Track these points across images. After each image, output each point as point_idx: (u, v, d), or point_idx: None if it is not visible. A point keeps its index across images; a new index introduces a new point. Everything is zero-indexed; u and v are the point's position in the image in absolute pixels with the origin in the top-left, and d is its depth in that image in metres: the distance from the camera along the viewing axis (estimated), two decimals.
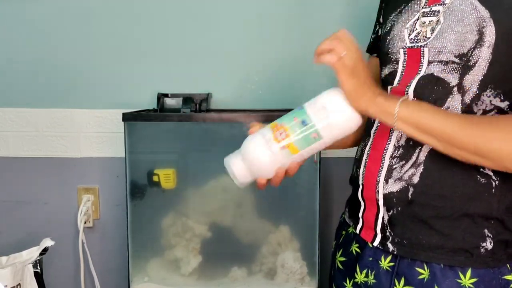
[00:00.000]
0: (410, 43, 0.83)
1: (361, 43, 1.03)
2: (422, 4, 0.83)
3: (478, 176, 0.77)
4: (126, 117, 1.23)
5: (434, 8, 0.81)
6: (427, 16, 0.82)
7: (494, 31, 0.74)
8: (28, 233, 1.45)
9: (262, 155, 0.79)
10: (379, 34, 0.98)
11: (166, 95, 1.38)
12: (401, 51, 0.84)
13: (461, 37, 0.76)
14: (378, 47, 0.97)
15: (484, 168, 0.77)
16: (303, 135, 0.78)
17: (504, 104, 0.77)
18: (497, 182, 0.77)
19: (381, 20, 0.97)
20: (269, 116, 1.21)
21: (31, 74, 1.41)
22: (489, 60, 0.75)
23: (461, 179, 0.77)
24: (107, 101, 1.41)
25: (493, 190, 0.77)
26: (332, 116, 0.77)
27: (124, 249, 1.29)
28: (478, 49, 0.75)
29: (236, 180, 0.82)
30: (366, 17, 1.13)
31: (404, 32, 0.84)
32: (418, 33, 0.82)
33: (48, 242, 1.13)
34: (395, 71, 0.85)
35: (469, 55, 0.76)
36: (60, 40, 1.40)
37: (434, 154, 0.78)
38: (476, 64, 0.75)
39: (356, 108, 0.77)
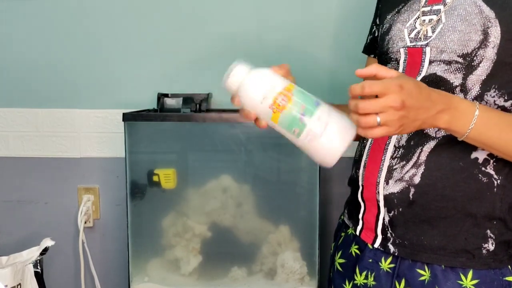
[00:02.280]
0: (411, 42, 0.82)
1: (359, 41, 1.04)
2: (422, 3, 0.83)
3: (480, 175, 0.77)
4: (126, 117, 1.23)
5: (434, 7, 0.80)
6: (427, 15, 0.81)
7: (499, 31, 0.74)
8: (28, 233, 1.45)
9: (255, 94, 0.78)
10: (376, 35, 0.97)
11: (166, 95, 1.37)
12: (402, 50, 0.83)
13: (465, 36, 0.76)
14: (376, 47, 0.97)
15: (485, 167, 0.77)
16: (291, 120, 0.75)
17: (508, 104, 0.76)
18: (499, 181, 0.77)
19: (377, 21, 0.97)
20: None
21: (31, 74, 1.41)
22: (494, 61, 0.74)
23: (462, 178, 0.77)
24: (107, 101, 1.41)
25: (495, 189, 0.77)
26: (323, 138, 0.74)
27: (124, 249, 1.29)
28: (483, 49, 0.75)
29: (225, 81, 0.82)
30: (364, 15, 1.13)
31: (404, 31, 0.84)
32: (418, 32, 0.81)
33: (48, 242, 1.13)
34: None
35: (473, 55, 0.75)
36: (61, 40, 1.40)
37: (435, 154, 0.78)
38: (480, 64, 0.75)
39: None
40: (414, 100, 0.67)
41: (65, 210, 1.45)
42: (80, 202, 1.43)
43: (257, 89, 0.78)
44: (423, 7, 0.83)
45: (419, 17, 0.82)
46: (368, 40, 1.01)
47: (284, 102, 0.75)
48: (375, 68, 0.69)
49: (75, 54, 1.40)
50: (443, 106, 0.69)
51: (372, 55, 1.00)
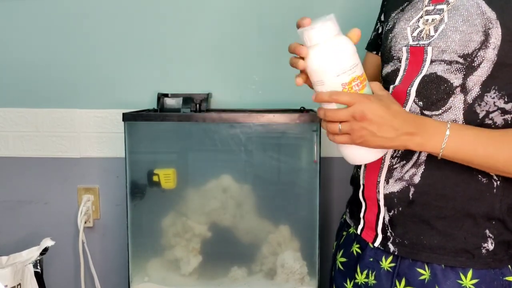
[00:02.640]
0: (413, 41, 0.82)
1: (362, 41, 1.04)
2: (426, 2, 0.83)
3: (480, 176, 0.77)
4: (126, 117, 1.23)
5: (438, 6, 0.81)
6: (431, 14, 0.81)
7: (500, 33, 0.74)
8: (28, 233, 1.45)
9: (335, 63, 0.72)
10: (380, 32, 0.98)
11: (166, 95, 1.38)
12: (404, 49, 0.84)
13: (466, 37, 0.76)
14: (379, 44, 0.97)
15: None
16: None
17: (508, 106, 0.76)
18: (498, 182, 0.77)
19: (382, 18, 0.97)
20: (270, 116, 1.21)
21: (31, 74, 1.41)
22: (494, 62, 0.74)
23: (462, 179, 0.77)
24: (107, 101, 1.41)
25: (495, 190, 0.77)
26: None
27: (124, 249, 1.29)
28: (483, 50, 0.75)
29: (307, 29, 0.73)
30: (368, 13, 1.13)
31: (407, 30, 0.84)
32: (421, 31, 0.82)
33: (48, 242, 1.13)
34: (398, 70, 0.85)
35: (473, 55, 0.75)
36: (60, 40, 1.40)
37: None
38: (481, 65, 0.75)
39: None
40: (375, 115, 0.71)
41: (65, 210, 1.45)
42: (80, 202, 1.43)
43: (340, 60, 0.72)
44: (426, 6, 0.83)
45: (422, 16, 0.83)
46: (372, 37, 1.02)
47: (357, 88, 0.73)
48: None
49: (75, 54, 1.40)
50: (412, 129, 0.73)
51: (375, 52, 1.00)
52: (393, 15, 0.89)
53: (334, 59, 0.72)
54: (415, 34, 0.83)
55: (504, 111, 0.76)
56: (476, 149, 0.73)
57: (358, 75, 0.73)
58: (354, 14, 1.34)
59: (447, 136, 0.73)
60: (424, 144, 0.73)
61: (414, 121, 0.74)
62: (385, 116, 0.72)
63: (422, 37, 0.81)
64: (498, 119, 0.76)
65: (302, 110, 1.33)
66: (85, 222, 1.42)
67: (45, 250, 1.12)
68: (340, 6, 1.35)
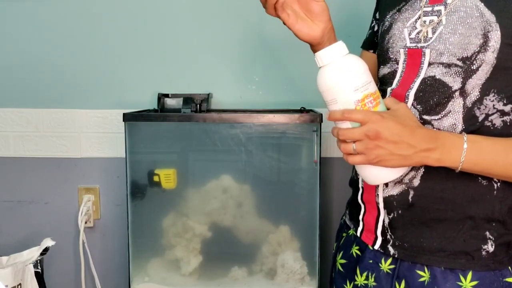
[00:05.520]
0: (411, 42, 0.81)
1: (359, 42, 1.04)
2: (423, 3, 0.82)
3: (480, 178, 0.77)
4: (127, 117, 1.23)
5: (435, 7, 0.80)
6: (428, 16, 0.80)
7: (500, 36, 0.73)
8: (28, 233, 1.45)
9: (351, 79, 0.72)
10: (375, 30, 0.97)
11: (166, 95, 1.38)
12: (402, 51, 0.83)
13: (465, 40, 0.75)
14: (375, 43, 0.96)
15: None
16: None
17: (507, 108, 0.76)
18: (498, 184, 0.77)
19: (377, 16, 0.96)
20: (270, 116, 1.21)
21: (32, 75, 1.41)
22: (493, 65, 0.74)
23: (462, 181, 0.77)
24: (107, 101, 1.41)
25: (495, 192, 0.77)
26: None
27: (124, 249, 1.29)
28: (482, 53, 0.74)
29: (321, 51, 0.75)
30: (364, 16, 1.12)
31: (404, 31, 0.83)
32: (419, 33, 0.81)
33: (49, 242, 1.13)
34: (395, 72, 0.84)
35: (472, 58, 0.75)
36: (61, 40, 1.40)
37: None
38: (480, 68, 0.75)
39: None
40: (391, 133, 0.70)
41: (66, 210, 1.45)
42: (80, 202, 1.43)
43: (352, 77, 0.72)
44: (424, 7, 0.82)
45: (420, 17, 0.82)
46: (368, 35, 1.00)
47: (370, 105, 0.72)
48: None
49: (76, 55, 1.40)
50: (429, 145, 0.72)
51: (372, 51, 0.99)
52: (390, 14, 0.88)
53: (346, 77, 0.72)
54: (412, 35, 0.82)
55: (503, 113, 0.76)
56: (495, 160, 0.73)
57: (371, 92, 0.73)
58: (349, 12, 1.34)
59: (465, 149, 0.72)
60: (443, 159, 0.72)
61: (431, 137, 0.72)
62: (401, 134, 0.70)
63: (420, 39, 0.80)
64: (497, 121, 0.76)
65: (302, 111, 1.33)
66: (86, 222, 1.43)
67: (45, 250, 1.12)
68: (337, 4, 1.35)
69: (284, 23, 0.83)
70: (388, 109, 0.74)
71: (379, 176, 0.76)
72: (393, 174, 0.76)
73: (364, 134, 0.70)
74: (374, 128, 0.69)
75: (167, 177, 1.27)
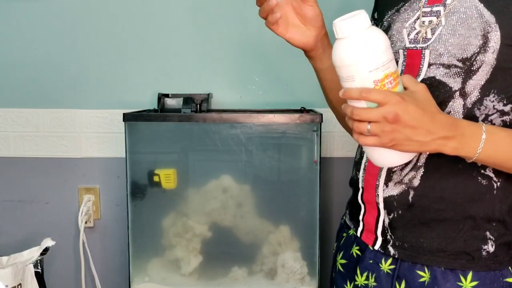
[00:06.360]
0: (410, 43, 0.81)
1: None
2: (422, 3, 0.82)
3: (479, 178, 0.77)
4: (127, 117, 1.23)
5: (434, 8, 0.79)
6: (427, 16, 0.80)
7: (499, 36, 0.73)
8: (29, 233, 1.45)
9: (370, 57, 0.66)
10: None
11: (166, 95, 1.38)
12: (401, 51, 0.83)
13: (465, 41, 0.75)
14: None
15: (485, 169, 0.77)
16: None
17: (508, 108, 0.76)
18: (498, 183, 0.77)
19: (375, 16, 0.96)
20: (270, 116, 1.21)
21: (32, 75, 1.41)
22: (493, 66, 0.74)
23: (462, 181, 0.77)
24: (107, 101, 1.41)
25: (495, 192, 0.77)
26: None
27: (124, 249, 1.30)
28: (482, 54, 0.74)
29: (342, 20, 0.68)
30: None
31: (403, 31, 0.83)
32: (418, 33, 0.81)
33: (49, 242, 1.13)
34: None
35: (472, 59, 0.75)
36: (61, 40, 1.40)
37: (434, 156, 0.77)
38: (480, 69, 0.75)
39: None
40: (410, 117, 0.66)
41: (66, 210, 1.45)
42: (80, 202, 1.43)
43: (374, 54, 0.66)
44: (423, 7, 0.81)
45: (419, 18, 0.81)
46: None
47: (389, 85, 0.67)
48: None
49: (76, 54, 1.40)
50: (448, 133, 0.69)
51: None
52: (388, 15, 0.87)
53: (367, 54, 0.66)
54: (411, 36, 0.81)
55: (503, 113, 0.76)
56: (510, 153, 0.72)
57: (392, 72, 0.67)
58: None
59: (483, 140, 0.70)
60: (460, 148, 0.70)
61: (451, 125, 0.69)
62: (421, 119, 0.67)
63: (419, 39, 0.80)
64: (497, 121, 0.76)
65: (302, 111, 1.34)
66: (86, 222, 1.43)
67: (45, 250, 1.12)
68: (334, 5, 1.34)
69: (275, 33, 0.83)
70: (405, 88, 0.70)
71: (388, 159, 0.73)
72: (402, 158, 0.72)
73: (382, 116, 0.65)
74: (393, 110, 0.65)
75: (167, 177, 1.27)
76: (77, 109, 1.41)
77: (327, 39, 0.86)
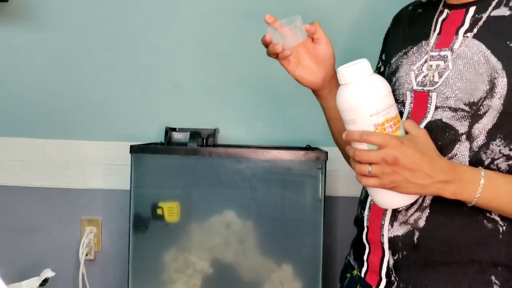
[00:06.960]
0: (417, 85, 0.82)
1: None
2: (430, 47, 0.83)
3: (485, 221, 0.76)
4: (134, 150, 1.24)
5: (442, 52, 0.81)
6: (435, 60, 0.82)
7: (506, 83, 0.74)
8: (29, 263, 1.43)
9: (372, 101, 0.69)
10: (382, 71, 0.98)
11: (173, 129, 1.39)
12: (408, 93, 0.84)
13: (472, 85, 0.76)
14: None
15: (490, 213, 0.76)
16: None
17: None
18: (504, 227, 0.76)
19: (383, 57, 0.98)
20: (276, 152, 1.22)
21: (40, 105, 1.43)
22: (500, 111, 0.75)
23: (468, 223, 0.76)
24: (114, 133, 1.42)
25: (501, 236, 0.76)
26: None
27: (124, 284, 1.28)
28: (489, 99, 0.75)
29: (347, 66, 0.72)
30: (367, 52, 1.14)
31: (411, 74, 0.84)
32: (425, 77, 0.82)
33: (48, 273, 1.12)
34: (401, 113, 0.85)
35: (479, 104, 0.75)
36: (69, 71, 1.42)
37: (440, 197, 0.77)
38: (486, 114, 0.75)
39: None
40: (409, 160, 0.69)
41: (67, 241, 1.44)
42: (82, 234, 1.42)
43: (378, 99, 0.70)
44: (431, 51, 0.83)
45: (426, 61, 0.83)
46: None
47: (390, 129, 0.70)
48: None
49: (83, 86, 1.42)
50: (447, 177, 0.71)
51: None
52: (396, 57, 0.89)
53: (368, 99, 0.70)
54: (419, 79, 0.83)
55: (509, 157, 0.76)
56: (510, 198, 0.73)
57: (392, 117, 0.71)
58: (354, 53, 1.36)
59: (482, 185, 0.72)
60: (458, 193, 0.72)
61: (450, 169, 0.71)
62: (420, 163, 0.69)
63: (426, 82, 0.81)
64: (503, 165, 0.76)
65: (307, 148, 1.34)
66: (87, 255, 1.41)
67: (45, 281, 1.11)
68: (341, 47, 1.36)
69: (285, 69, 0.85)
70: (406, 132, 0.73)
71: (390, 200, 0.75)
72: (405, 200, 0.75)
73: (381, 158, 0.69)
74: (392, 153, 0.68)
75: (170, 210, 1.27)
76: (84, 140, 1.43)
77: (335, 80, 0.87)
